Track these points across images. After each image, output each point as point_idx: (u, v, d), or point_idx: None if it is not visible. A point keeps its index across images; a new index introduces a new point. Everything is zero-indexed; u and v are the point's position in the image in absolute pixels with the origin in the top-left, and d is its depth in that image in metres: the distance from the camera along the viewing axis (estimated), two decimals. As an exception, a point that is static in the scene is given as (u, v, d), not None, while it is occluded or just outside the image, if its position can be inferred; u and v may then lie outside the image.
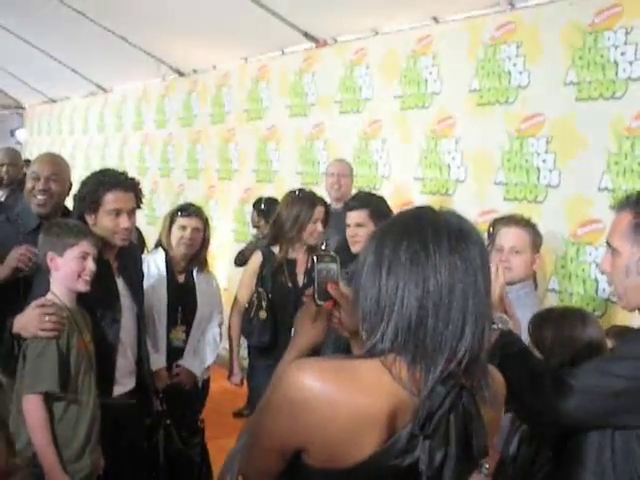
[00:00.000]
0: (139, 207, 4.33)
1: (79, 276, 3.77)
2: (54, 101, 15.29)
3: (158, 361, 5.00)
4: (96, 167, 12.01)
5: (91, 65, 12.15)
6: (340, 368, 1.82)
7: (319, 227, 5.23)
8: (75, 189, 4.40)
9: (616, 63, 5.33)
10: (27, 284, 4.20)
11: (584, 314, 3.22)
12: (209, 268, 5.51)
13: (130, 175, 4.34)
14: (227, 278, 8.80)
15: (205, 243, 5.30)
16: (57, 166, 4.75)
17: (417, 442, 1.74)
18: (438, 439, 1.73)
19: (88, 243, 3.81)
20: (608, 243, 2.61)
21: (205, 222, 5.29)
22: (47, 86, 14.51)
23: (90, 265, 3.78)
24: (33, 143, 16.32)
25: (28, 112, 16.73)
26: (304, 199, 5.29)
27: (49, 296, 3.76)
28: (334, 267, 2.19)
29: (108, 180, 4.17)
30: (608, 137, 5.32)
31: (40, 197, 4.56)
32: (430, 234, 1.80)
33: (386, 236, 1.86)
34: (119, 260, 4.29)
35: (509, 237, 4.25)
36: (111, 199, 4.09)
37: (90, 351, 3.81)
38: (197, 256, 5.27)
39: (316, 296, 2.15)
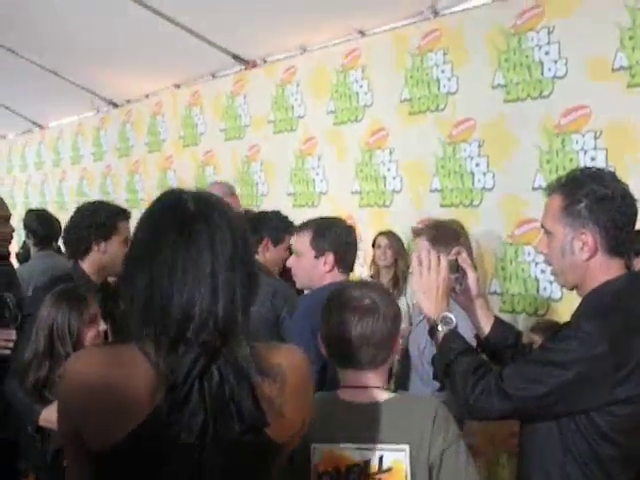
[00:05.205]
0: None
1: None
2: (-10, 140, 15.09)
3: None
4: (36, 204, 12.09)
5: (25, 102, 11.98)
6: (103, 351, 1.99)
7: None
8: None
9: (541, 63, 5.36)
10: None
11: None
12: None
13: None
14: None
15: None
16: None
17: (179, 414, 1.80)
18: (194, 407, 1.79)
19: None
20: (543, 226, 2.74)
21: None
22: (-19, 125, 14.29)
23: None
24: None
25: (-36, 152, 16.51)
26: None
27: None
28: None
29: (121, 210, 4.38)
30: (538, 136, 5.34)
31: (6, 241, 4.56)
32: (157, 219, 1.96)
33: (138, 223, 2.00)
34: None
35: None
36: (124, 227, 4.26)
37: None
38: None
39: None
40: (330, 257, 3.86)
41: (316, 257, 3.88)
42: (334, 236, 3.91)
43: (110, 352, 1.96)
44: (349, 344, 2.68)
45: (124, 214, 4.36)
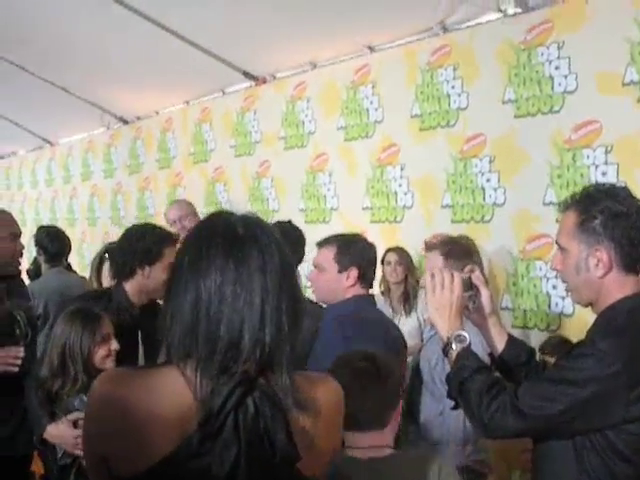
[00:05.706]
0: None
1: None
2: (1, 157, 15.14)
3: None
4: (46, 221, 12.12)
5: (35, 118, 12.02)
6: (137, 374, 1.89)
7: None
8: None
9: (551, 78, 5.36)
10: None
11: None
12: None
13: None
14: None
15: None
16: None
17: (210, 445, 1.74)
18: (228, 439, 1.73)
19: None
20: (557, 242, 2.74)
21: None
22: (-8, 142, 14.33)
23: None
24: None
25: (-25, 169, 16.55)
26: None
27: None
28: None
29: (169, 234, 4.34)
30: (549, 151, 5.33)
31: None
32: (205, 240, 1.86)
33: (183, 244, 1.95)
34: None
35: None
36: (170, 253, 4.17)
37: None
38: None
39: None
40: (354, 272, 3.88)
41: (340, 272, 3.90)
42: (358, 252, 3.94)
43: (141, 375, 1.88)
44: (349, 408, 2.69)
45: (171, 239, 4.33)
